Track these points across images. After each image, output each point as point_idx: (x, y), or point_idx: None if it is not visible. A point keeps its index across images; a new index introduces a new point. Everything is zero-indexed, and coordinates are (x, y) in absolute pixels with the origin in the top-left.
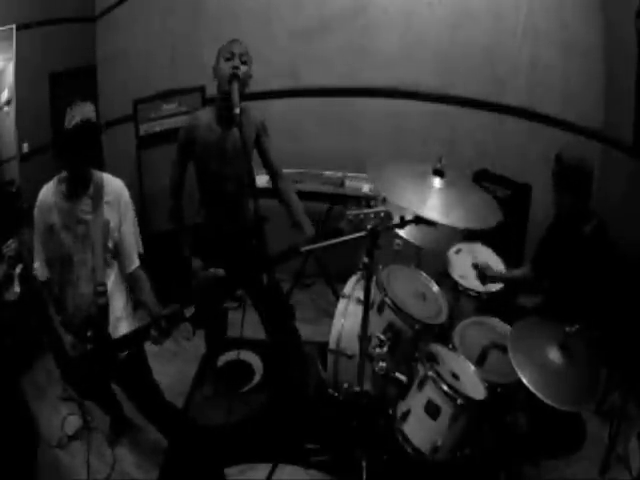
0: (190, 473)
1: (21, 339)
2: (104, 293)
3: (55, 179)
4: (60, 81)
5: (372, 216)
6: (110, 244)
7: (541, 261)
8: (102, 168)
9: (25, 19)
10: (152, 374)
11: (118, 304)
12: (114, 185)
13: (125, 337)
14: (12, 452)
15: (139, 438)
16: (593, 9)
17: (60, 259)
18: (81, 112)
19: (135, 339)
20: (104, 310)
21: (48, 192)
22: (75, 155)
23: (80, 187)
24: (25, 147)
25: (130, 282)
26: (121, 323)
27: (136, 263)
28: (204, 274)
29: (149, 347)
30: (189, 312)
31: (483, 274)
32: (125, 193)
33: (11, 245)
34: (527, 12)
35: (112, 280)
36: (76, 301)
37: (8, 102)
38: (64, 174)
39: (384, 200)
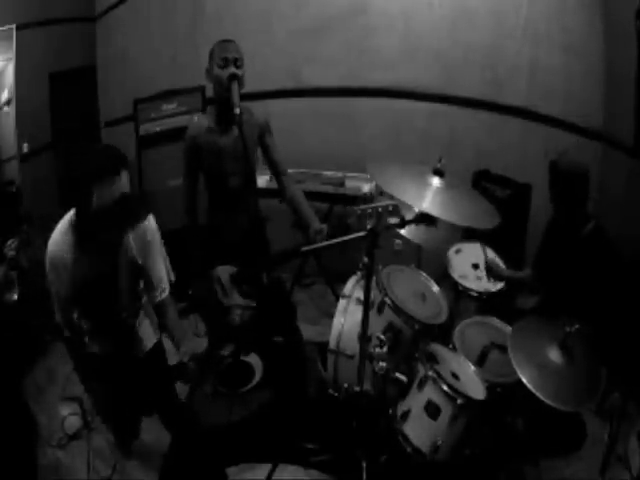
0: (190, 473)
1: (21, 339)
2: (132, 315)
3: (68, 226)
4: (60, 81)
5: (380, 210)
6: (138, 280)
7: (541, 266)
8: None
9: (25, 19)
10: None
11: (148, 332)
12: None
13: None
14: (12, 452)
15: (139, 438)
16: (593, 9)
17: (79, 319)
18: (112, 191)
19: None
20: (132, 331)
21: (62, 245)
22: (110, 232)
23: (104, 241)
24: (25, 147)
25: (157, 310)
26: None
27: (166, 292)
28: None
29: None
30: (227, 351)
31: (490, 269)
32: (151, 225)
33: (11, 245)
34: (527, 12)
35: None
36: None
37: (8, 102)
38: (73, 218)
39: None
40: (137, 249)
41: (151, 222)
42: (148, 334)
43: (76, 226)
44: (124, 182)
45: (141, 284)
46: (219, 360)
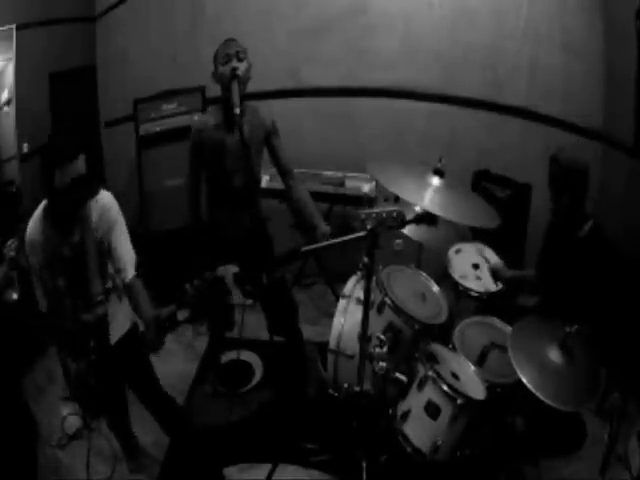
0: (190, 473)
1: (21, 339)
2: (102, 302)
3: (41, 211)
4: (60, 81)
5: (384, 216)
6: (105, 260)
7: (544, 267)
8: (102, 168)
9: (25, 19)
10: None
11: (121, 323)
12: (102, 202)
13: (120, 342)
14: (12, 452)
15: (139, 439)
16: (593, 10)
17: (58, 289)
18: (70, 173)
19: (129, 344)
20: (103, 320)
21: (36, 227)
22: (69, 206)
23: (68, 217)
24: (25, 147)
25: (126, 292)
26: (121, 320)
27: (131, 273)
28: (209, 274)
29: None
30: (183, 315)
31: (494, 273)
32: (113, 206)
33: (11, 245)
34: (527, 12)
35: (113, 300)
36: (77, 326)
37: (8, 102)
38: (49, 204)
39: (396, 199)
40: (102, 229)
41: (113, 202)
42: (120, 321)
43: (46, 208)
44: (81, 165)
45: (110, 268)
46: (174, 323)
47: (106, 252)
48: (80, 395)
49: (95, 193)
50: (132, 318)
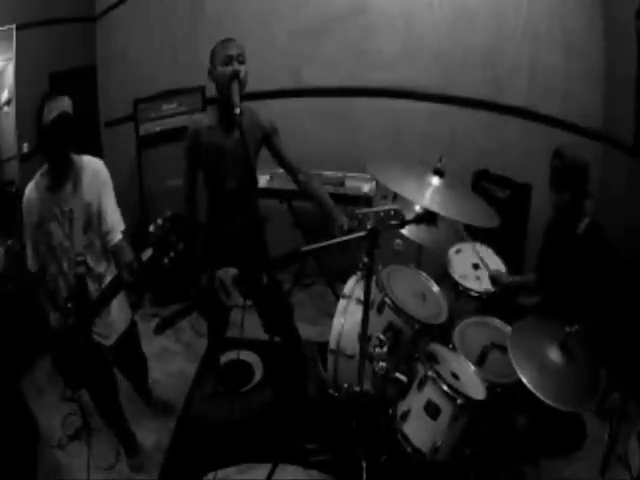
0: (190, 473)
1: (21, 339)
2: (83, 263)
3: (37, 174)
4: (60, 81)
5: (382, 215)
6: (94, 223)
7: (543, 268)
8: (99, 136)
9: (25, 19)
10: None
11: (119, 322)
12: (92, 165)
13: (102, 294)
14: (12, 452)
15: (139, 438)
16: (593, 9)
17: (49, 249)
18: (57, 106)
19: (111, 290)
20: (83, 280)
21: (32, 188)
22: (54, 147)
23: (61, 176)
24: (25, 147)
25: (113, 254)
26: (118, 319)
27: (119, 235)
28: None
29: (150, 346)
30: (145, 255)
31: (494, 280)
32: (103, 171)
33: (15, 246)
34: (527, 12)
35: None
36: (64, 284)
37: (8, 102)
38: (45, 167)
39: (395, 198)
40: (92, 192)
41: (102, 167)
42: (118, 320)
43: (42, 172)
44: (67, 103)
45: (95, 232)
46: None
47: (94, 214)
48: (60, 360)
49: (79, 139)
50: (130, 317)
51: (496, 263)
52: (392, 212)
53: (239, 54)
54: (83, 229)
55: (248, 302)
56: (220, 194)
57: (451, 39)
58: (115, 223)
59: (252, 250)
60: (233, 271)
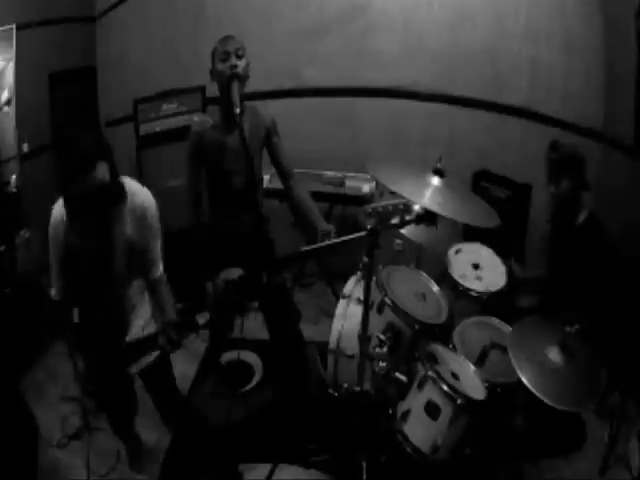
0: (189, 473)
1: (21, 339)
2: (123, 298)
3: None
4: (60, 81)
5: (390, 209)
6: (133, 255)
7: (553, 262)
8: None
9: (25, 19)
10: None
11: (142, 316)
12: (140, 196)
13: (132, 345)
14: (12, 452)
15: (141, 438)
16: (593, 9)
17: (82, 278)
18: (232, 273)
19: (142, 347)
20: (123, 315)
21: (62, 210)
22: (90, 215)
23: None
24: (25, 147)
25: (150, 288)
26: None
27: (161, 269)
28: (222, 279)
29: None
30: (202, 319)
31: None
32: (152, 205)
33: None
34: (527, 12)
35: (136, 290)
36: (99, 317)
37: (8, 102)
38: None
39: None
40: (135, 230)
41: (150, 201)
42: (137, 324)
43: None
44: (101, 172)
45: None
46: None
47: (137, 250)
48: (90, 391)
49: (119, 202)
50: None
51: (496, 263)
52: (401, 205)
53: (237, 48)
54: (120, 263)
55: (254, 304)
56: (224, 193)
57: (451, 39)
58: (159, 258)
59: (258, 249)
60: (238, 271)
